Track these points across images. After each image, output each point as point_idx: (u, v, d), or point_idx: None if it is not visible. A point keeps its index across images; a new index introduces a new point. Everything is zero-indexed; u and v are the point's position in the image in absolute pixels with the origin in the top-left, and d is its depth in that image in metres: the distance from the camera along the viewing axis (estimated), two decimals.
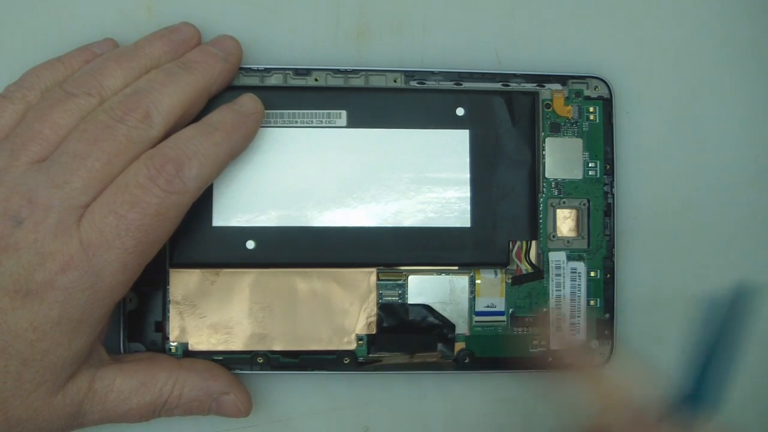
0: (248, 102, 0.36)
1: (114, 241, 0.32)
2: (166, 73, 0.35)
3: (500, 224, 0.38)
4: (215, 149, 0.34)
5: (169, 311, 0.37)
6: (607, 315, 0.39)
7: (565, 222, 0.39)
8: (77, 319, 0.32)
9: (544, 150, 0.38)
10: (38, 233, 0.31)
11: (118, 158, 0.32)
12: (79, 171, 0.32)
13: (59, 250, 0.31)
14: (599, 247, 0.39)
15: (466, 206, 0.38)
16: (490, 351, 0.38)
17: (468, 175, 0.38)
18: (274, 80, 0.38)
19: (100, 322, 0.33)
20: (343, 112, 0.37)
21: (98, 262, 0.32)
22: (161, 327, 0.37)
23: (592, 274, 0.38)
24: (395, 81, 0.38)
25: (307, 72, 0.38)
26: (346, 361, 0.38)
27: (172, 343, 0.37)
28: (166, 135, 0.34)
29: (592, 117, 0.39)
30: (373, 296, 0.38)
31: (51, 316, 0.31)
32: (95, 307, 0.32)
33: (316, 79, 0.38)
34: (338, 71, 0.38)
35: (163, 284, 0.37)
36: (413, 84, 0.38)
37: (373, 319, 0.38)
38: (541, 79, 0.39)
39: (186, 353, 0.37)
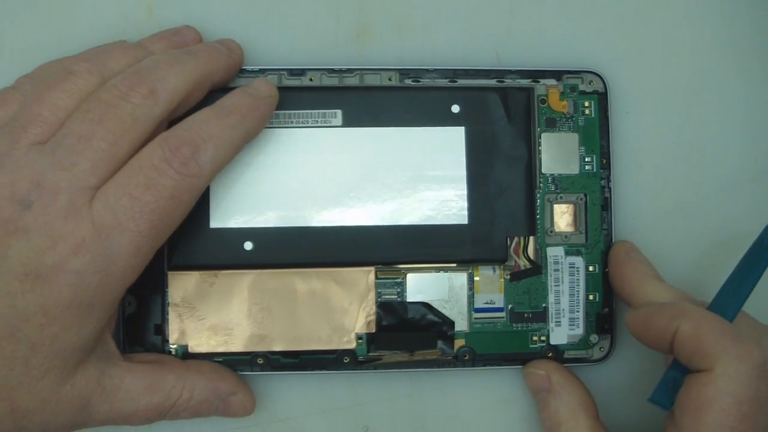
0: (262, 86, 0.36)
1: (128, 224, 0.31)
2: (171, 55, 0.35)
3: (498, 220, 0.38)
4: (230, 132, 0.34)
5: (168, 314, 0.37)
6: (606, 309, 0.38)
7: (562, 217, 0.39)
8: (88, 303, 0.32)
9: (540, 145, 0.38)
10: (48, 216, 0.31)
11: (124, 137, 0.32)
12: (86, 152, 0.32)
13: (70, 233, 0.31)
14: (597, 241, 0.39)
15: (464, 203, 0.38)
16: (490, 347, 0.38)
17: (464, 172, 0.38)
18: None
19: (110, 307, 0.33)
20: (339, 112, 0.37)
21: (111, 245, 0.31)
22: (161, 330, 0.37)
23: (591, 268, 0.38)
24: (390, 79, 0.38)
25: (301, 72, 0.38)
26: (346, 360, 0.38)
27: (171, 346, 0.37)
28: (169, 116, 0.34)
29: (587, 111, 0.39)
30: (372, 295, 0.38)
31: (61, 300, 0.31)
32: (106, 291, 0.32)
33: (311, 79, 0.38)
34: (333, 71, 0.38)
35: (161, 287, 0.37)
36: (408, 82, 0.38)
37: (373, 317, 0.38)
38: (536, 75, 0.39)
39: (186, 355, 0.37)
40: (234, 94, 0.35)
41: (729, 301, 0.34)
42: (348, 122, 0.37)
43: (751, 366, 0.31)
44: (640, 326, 0.34)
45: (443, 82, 0.38)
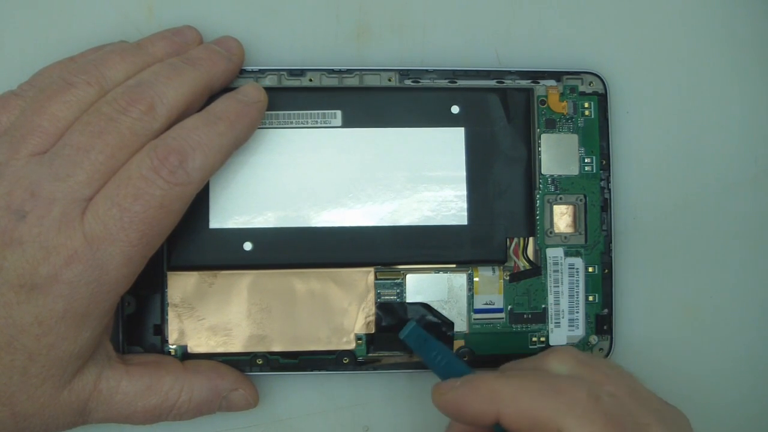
0: (251, 91, 0.36)
1: (118, 234, 0.31)
2: (171, 66, 0.34)
3: (497, 221, 0.38)
4: (219, 139, 0.33)
5: (167, 314, 0.37)
6: (606, 310, 0.38)
7: (562, 218, 0.39)
8: (82, 313, 0.32)
9: (539, 146, 0.38)
10: (42, 227, 0.31)
11: (122, 151, 0.32)
12: (83, 164, 0.32)
13: (63, 244, 0.31)
14: (597, 242, 0.38)
15: (463, 204, 0.38)
16: (490, 348, 0.38)
17: (464, 173, 0.38)
18: (268, 81, 0.38)
19: (105, 315, 0.33)
20: (338, 112, 0.37)
21: (102, 256, 0.31)
22: (160, 330, 0.37)
23: (590, 269, 0.38)
24: (390, 80, 0.38)
25: (301, 73, 0.38)
26: (346, 360, 0.38)
27: (171, 346, 0.37)
28: (168, 128, 0.34)
29: (587, 113, 0.39)
30: (372, 295, 0.38)
31: (56, 310, 0.31)
32: (100, 300, 0.32)
33: (311, 80, 0.38)
34: (332, 71, 0.38)
35: (161, 287, 0.37)
36: (408, 83, 0.38)
37: (372, 318, 0.38)
38: (536, 76, 0.39)
39: (185, 356, 0.37)
40: (223, 99, 0.35)
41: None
42: (347, 123, 0.37)
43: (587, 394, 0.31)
44: (453, 411, 0.34)
45: (443, 83, 0.38)
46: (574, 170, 0.38)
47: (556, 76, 0.39)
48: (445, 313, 0.38)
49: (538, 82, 0.39)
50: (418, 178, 0.37)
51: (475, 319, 0.38)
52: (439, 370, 0.35)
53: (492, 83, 0.38)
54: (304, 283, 0.37)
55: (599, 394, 0.31)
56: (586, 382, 0.32)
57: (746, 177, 0.40)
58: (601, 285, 0.38)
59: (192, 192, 0.33)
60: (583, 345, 0.38)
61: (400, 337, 0.35)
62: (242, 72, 0.38)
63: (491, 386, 0.32)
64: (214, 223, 0.37)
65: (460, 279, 0.38)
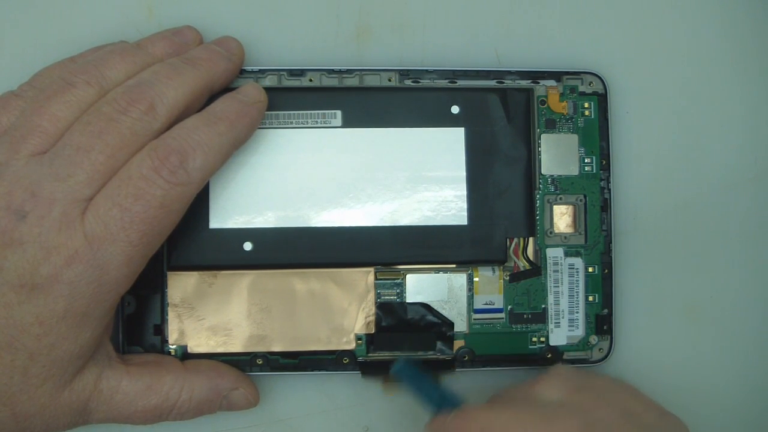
0: (251, 91, 0.36)
1: (119, 234, 0.32)
2: (171, 66, 0.34)
3: (497, 221, 0.38)
4: (219, 139, 0.33)
5: (167, 314, 0.37)
6: (606, 310, 0.38)
7: (562, 218, 0.39)
8: (82, 313, 0.32)
9: (539, 146, 0.38)
10: (42, 227, 0.31)
11: (122, 151, 0.32)
12: (83, 164, 0.32)
13: (64, 244, 0.31)
14: (597, 242, 0.38)
15: (463, 204, 0.38)
16: (490, 348, 0.38)
17: (464, 173, 0.38)
18: (268, 81, 0.38)
19: (105, 315, 0.33)
20: (338, 112, 0.37)
21: (103, 256, 0.31)
22: (160, 330, 0.37)
23: (590, 269, 0.38)
24: (390, 80, 0.38)
25: (301, 73, 0.38)
26: (346, 360, 0.38)
27: (171, 347, 0.37)
28: (168, 128, 0.34)
29: (587, 113, 0.39)
30: (372, 296, 0.38)
31: (56, 310, 0.31)
32: (100, 300, 0.32)
33: (311, 80, 0.38)
34: (332, 71, 0.38)
35: (161, 287, 0.37)
36: (408, 83, 0.38)
37: (372, 318, 0.38)
38: (536, 76, 0.39)
39: (185, 356, 0.37)
40: (223, 99, 0.35)
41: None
42: (347, 123, 0.37)
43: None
44: None
45: (443, 83, 0.38)
46: (574, 170, 0.38)
47: (556, 76, 0.39)
48: (445, 313, 0.38)
49: (538, 82, 0.39)
50: (418, 178, 0.37)
51: (475, 319, 0.38)
52: (431, 404, 0.35)
53: (492, 83, 0.38)
54: (304, 283, 0.38)
55: (592, 421, 0.32)
56: (578, 410, 0.32)
57: (746, 177, 0.40)
58: (601, 285, 0.38)
59: (192, 192, 0.33)
60: (583, 345, 0.38)
61: (391, 372, 0.35)
62: (242, 72, 0.38)
63: (483, 419, 0.33)
64: (214, 223, 0.37)
65: (460, 279, 0.38)
